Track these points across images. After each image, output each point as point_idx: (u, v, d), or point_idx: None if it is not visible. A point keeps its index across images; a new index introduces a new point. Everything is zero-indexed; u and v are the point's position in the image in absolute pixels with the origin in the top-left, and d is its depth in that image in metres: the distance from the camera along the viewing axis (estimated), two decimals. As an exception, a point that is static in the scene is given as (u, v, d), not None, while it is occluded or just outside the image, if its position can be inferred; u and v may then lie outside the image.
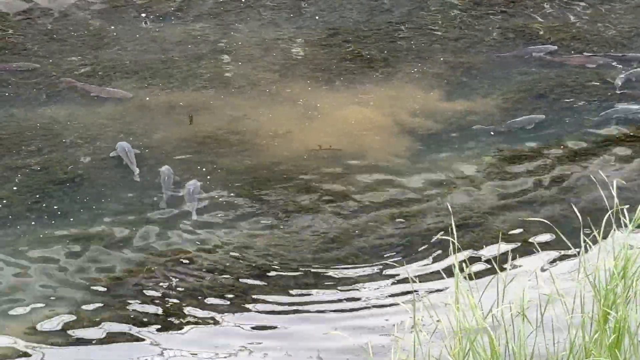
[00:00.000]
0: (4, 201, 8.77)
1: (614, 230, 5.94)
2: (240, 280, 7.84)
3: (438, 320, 5.78)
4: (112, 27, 12.03)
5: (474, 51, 11.51)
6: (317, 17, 12.35)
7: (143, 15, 11.35)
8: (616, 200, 5.88)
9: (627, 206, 5.88)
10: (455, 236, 5.67)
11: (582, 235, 5.91)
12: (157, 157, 9.44)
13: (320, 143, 9.66)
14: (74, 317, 7.40)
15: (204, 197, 8.87)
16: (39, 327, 7.32)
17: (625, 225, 5.74)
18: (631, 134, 9.83)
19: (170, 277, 7.81)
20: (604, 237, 5.85)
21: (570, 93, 10.57)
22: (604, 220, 5.71)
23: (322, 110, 10.28)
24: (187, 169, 9.24)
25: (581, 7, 12.63)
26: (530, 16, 12.42)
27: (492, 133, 9.88)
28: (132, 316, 7.41)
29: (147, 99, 10.46)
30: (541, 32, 11.90)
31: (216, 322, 7.38)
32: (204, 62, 11.25)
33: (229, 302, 7.58)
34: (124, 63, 11.17)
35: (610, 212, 5.85)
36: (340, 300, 7.61)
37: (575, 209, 6.26)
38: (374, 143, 9.74)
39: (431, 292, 7.35)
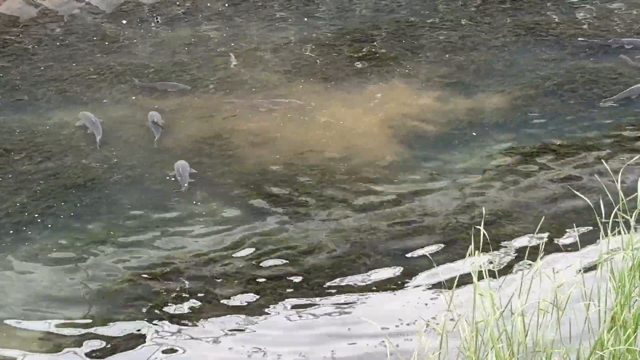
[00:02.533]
0: (18, 205, 8.79)
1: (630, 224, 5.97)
2: (252, 281, 7.84)
3: (459, 315, 5.79)
4: (122, 31, 12.06)
5: (484, 49, 11.51)
6: (325, 18, 12.37)
7: None
8: (621, 194, 5.89)
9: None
10: (482, 229, 5.70)
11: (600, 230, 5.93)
12: (168, 161, 9.44)
13: (336, 143, 9.68)
14: (87, 320, 7.41)
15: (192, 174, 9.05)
16: (52, 329, 7.33)
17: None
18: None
19: (183, 280, 7.82)
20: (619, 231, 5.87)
21: (582, 88, 10.57)
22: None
23: (332, 111, 10.29)
24: (199, 170, 9.26)
25: (588, 3, 12.64)
26: (539, 13, 12.42)
27: (601, 104, 10.09)
28: (146, 318, 7.42)
29: (158, 101, 10.47)
30: (551, 29, 11.92)
31: (228, 323, 7.39)
32: (214, 64, 11.27)
33: (241, 304, 7.59)
34: (135, 66, 11.19)
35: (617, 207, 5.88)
36: (355, 300, 7.61)
37: (591, 204, 6.26)
38: (381, 143, 9.74)
39: (452, 289, 7.34)
